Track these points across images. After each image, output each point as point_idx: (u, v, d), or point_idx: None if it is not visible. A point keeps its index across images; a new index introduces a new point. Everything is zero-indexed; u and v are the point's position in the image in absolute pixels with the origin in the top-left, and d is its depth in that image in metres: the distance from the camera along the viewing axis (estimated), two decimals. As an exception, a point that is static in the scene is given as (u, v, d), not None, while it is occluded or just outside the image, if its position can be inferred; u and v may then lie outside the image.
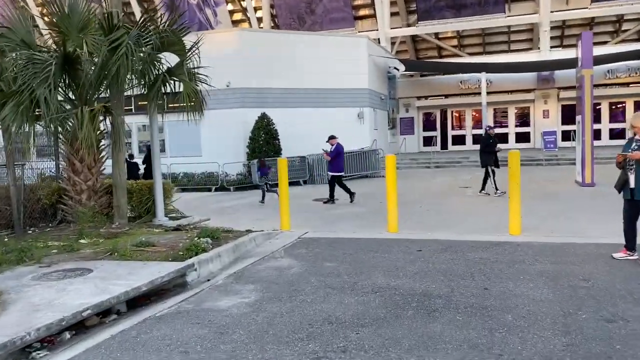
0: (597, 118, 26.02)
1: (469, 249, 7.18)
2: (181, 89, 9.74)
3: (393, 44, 29.96)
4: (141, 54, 9.22)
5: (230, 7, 33.82)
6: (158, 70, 9.62)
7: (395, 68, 26.63)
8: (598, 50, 25.63)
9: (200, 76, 10.75)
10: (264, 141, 19.29)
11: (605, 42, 28.23)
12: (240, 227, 9.23)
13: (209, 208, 13.39)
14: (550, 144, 23.71)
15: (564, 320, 4.46)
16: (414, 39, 32.57)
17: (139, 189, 10.31)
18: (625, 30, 28.61)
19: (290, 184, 19.52)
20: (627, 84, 25.97)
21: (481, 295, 5.17)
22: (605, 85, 25.25)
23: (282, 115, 20.45)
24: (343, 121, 21.85)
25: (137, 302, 5.63)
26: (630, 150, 6.15)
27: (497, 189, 12.69)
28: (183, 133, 21.20)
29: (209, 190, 18.85)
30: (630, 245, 6.31)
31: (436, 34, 31.73)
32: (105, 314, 5.32)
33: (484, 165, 13.07)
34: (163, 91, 10.08)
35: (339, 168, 13.80)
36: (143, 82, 9.33)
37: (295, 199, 13.92)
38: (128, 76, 8.70)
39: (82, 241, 7.90)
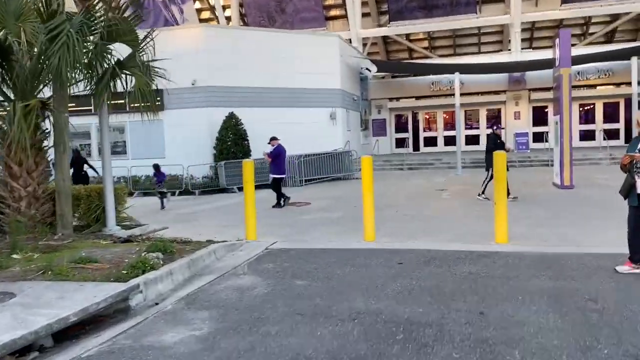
0: (567, 120, 25.80)
1: (454, 261, 6.34)
2: (135, 85, 8.57)
3: (365, 45, 29.23)
4: (88, 44, 8.14)
5: (197, 5, 32.60)
6: (108, 63, 8.53)
7: (367, 69, 25.84)
8: (568, 52, 25.47)
9: (158, 70, 9.62)
10: (232, 142, 18.24)
11: (573, 45, 28.11)
12: (200, 237, 8.25)
13: (169, 214, 12.31)
14: (522, 145, 23.31)
15: (583, 357, 3.63)
16: (385, 40, 31.94)
17: (87, 195, 9.19)
18: (593, 33, 28.55)
19: (260, 186, 18.50)
20: (595, 86, 25.77)
21: (478, 323, 4.32)
22: (575, 87, 24.96)
23: (251, 115, 19.42)
24: (315, 122, 20.98)
25: (68, 331, 4.62)
26: (637, 151, 5.41)
27: (483, 192, 11.85)
28: (146, 133, 20.00)
29: (173, 194, 17.68)
30: (636, 258, 5.56)
31: (407, 36, 31.18)
32: (25, 350, 4.29)
33: (490, 167, 11.83)
34: (113, 87, 8.93)
35: (280, 170, 13.18)
36: (89, 76, 8.22)
37: (264, 204, 12.96)
38: (71, 69, 7.59)
39: (15, 256, 6.78)
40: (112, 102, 9.64)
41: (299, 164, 18.10)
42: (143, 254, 6.37)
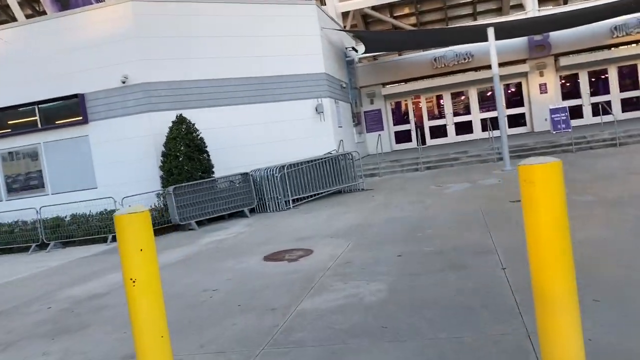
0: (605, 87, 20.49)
1: None
2: None
3: (343, 27, 23.61)
4: None
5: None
6: None
7: (353, 49, 20.24)
8: None
9: None
10: (184, 157, 12.38)
11: None
12: None
13: (50, 302, 6.35)
14: (561, 124, 17.90)
15: None
16: (366, 20, 26.47)
17: None
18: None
19: (231, 215, 12.72)
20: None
21: None
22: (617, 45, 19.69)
23: (209, 117, 13.70)
24: (297, 119, 15.32)
25: None
26: None
27: None
28: (67, 157, 14.09)
29: (105, 240, 11.76)
30: None
31: (391, 12, 25.78)
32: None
33: None
34: None
35: None
36: None
37: (223, 260, 7.01)
38: None
39: None
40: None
41: (281, 178, 12.33)
42: None
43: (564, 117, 17.77)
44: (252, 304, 4.99)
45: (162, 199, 12.44)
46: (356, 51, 20.26)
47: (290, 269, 6.16)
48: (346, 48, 19.87)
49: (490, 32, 12.83)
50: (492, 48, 12.88)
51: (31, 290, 7.29)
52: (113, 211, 12.33)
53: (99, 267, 8.38)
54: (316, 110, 15.44)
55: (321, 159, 13.27)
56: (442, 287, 4.64)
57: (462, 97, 21.83)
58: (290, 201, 12.34)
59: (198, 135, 12.69)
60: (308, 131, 15.35)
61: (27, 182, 14.46)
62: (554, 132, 17.84)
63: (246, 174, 12.61)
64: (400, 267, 5.50)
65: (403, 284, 4.90)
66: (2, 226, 13.32)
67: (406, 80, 21.61)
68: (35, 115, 14.14)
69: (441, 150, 17.93)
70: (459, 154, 16.06)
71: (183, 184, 11.75)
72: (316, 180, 13.02)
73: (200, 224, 11.66)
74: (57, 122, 13.96)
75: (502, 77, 20.70)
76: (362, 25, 26.43)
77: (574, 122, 19.83)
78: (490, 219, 7.40)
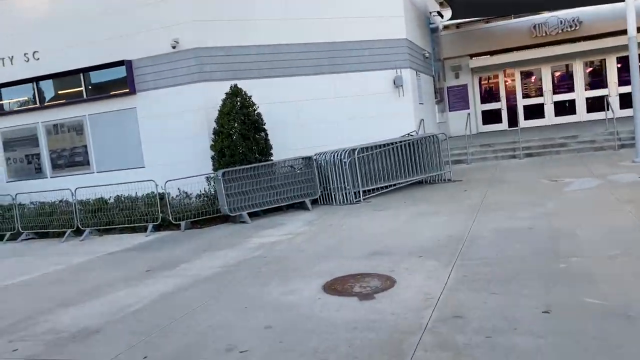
0: None
1: None
2: None
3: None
4: None
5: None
6: None
7: (438, 13, 17.41)
8: None
9: None
10: (238, 136, 10.37)
11: None
12: None
13: (25, 335, 4.49)
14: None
15: None
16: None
17: None
18: None
19: (289, 206, 10.52)
20: None
21: None
22: None
23: (268, 89, 11.62)
24: (371, 93, 12.93)
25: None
26: None
27: None
28: (114, 132, 12.54)
29: (145, 229, 10.05)
30: None
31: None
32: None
33: None
34: None
35: None
36: None
37: (268, 283, 4.41)
38: None
39: None
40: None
41: (351, 164, 10.07)
42: None
43: (703, 97, 14.13)
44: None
45: (212, 183, 10.58)
46: (441, 16, 17.42)
47: (363, 318, 3.93)
48: (430, 12, 17.07)
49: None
50: (630, 4, 9.79)
51: (19, 306, 5.56)
52: (155, 196, 10.61)
53: (118, 274, 6.55)
54: (394, 83, 12.95)
55: (399, 142, 10.86)
56: None
57: (563, 72, 18.43)
58: (361, 192, 10.08)
59: (255, 110, 10.64)
60: (384, 108, 12.91)
61: (72, 159, 13.10)
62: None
63: (309, 158, 10.45)
64: (558, 344, 3.12)
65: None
66: (44, 206, 12.02)
67: (497, 52, 18.47)
68: (81, 85, 12.68)
69: (540, 133, 14.91)
70: (567, 139, 13.06)
71: (235, 168, 9.79)
72: (392, 168, 10.65)
73: (253, 214, 9.70)
74: (103, 93, 12.43)
75: (615, 49, 17.19)
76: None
77: None
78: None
